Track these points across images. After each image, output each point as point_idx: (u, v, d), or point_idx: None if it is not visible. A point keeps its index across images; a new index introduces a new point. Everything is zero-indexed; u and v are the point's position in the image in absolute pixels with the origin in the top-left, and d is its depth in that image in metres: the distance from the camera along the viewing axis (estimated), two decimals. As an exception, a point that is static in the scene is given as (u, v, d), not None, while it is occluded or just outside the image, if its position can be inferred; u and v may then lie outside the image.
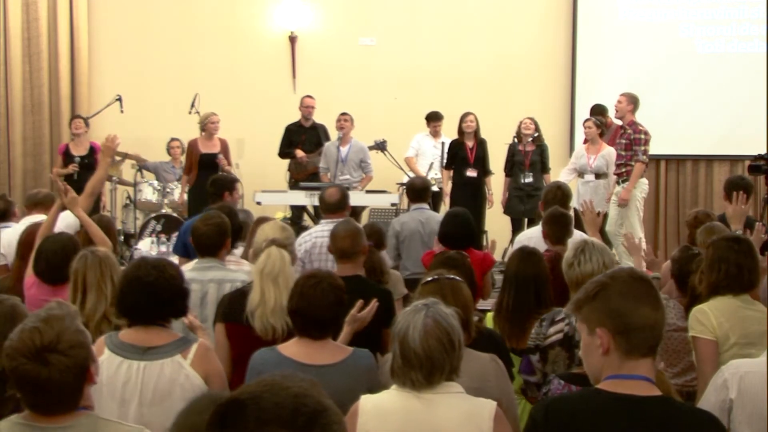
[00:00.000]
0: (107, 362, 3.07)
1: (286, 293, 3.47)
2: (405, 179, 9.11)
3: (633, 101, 8.39)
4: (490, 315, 4.22)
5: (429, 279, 3.22)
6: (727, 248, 3.63)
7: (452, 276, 3.24)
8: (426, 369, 2.53)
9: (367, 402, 2.65)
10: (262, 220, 4.95)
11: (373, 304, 3.63)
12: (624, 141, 8.34)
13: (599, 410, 2.11)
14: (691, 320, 3.58)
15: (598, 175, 8.50)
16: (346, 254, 4.23)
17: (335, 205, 5.49)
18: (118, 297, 3.21)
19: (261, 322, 3.63)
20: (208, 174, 8.35)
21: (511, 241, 8.40)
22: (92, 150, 9.21)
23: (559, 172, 9.08)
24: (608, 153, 8.51)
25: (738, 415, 2.79)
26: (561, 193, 5.82)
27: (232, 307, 3.78)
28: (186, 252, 5.20)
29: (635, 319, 2.10)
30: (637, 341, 2.11)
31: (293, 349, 3.19)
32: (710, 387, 2.90)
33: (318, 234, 5.37)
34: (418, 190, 6.38)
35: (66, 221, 5.18)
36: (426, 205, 6.33)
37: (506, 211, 8.91)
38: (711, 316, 3.51)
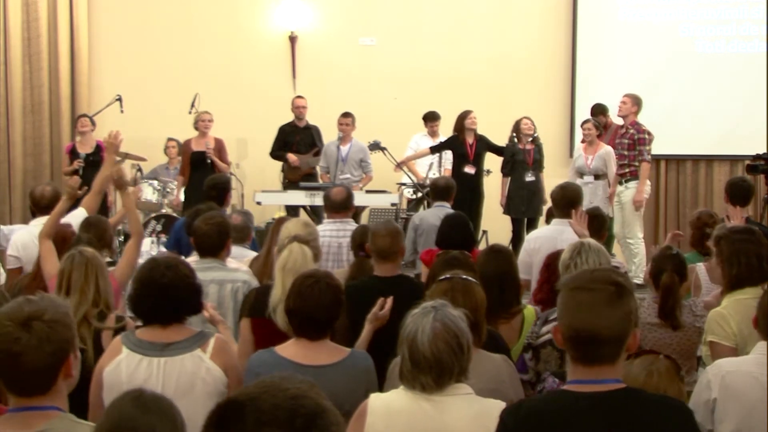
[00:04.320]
0: (126, 360, 3.09)
1: None
2: (405, 179, 9.12)
3: (637, 102, 8.40)
4: None
5: (442, 278, 3.21)
6: (744, 241, 3.66)
7: (466, 276, 3.22)
8: (435, 372, 2.53)
9: (376, 401, 2.64)
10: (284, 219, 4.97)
11: (390, 301, 3.63)
12: (627, 141, 8.32)
13: (567, 409, 2.13)
14: (711, 324, 3.54)
15: (597, 176, 8.49)
16: (385, 254, 4.22)
17: (340, 204, 5.51)
18: (133, 300, 3.20)
19: (282, 317, 3.62)
20: (199, 171, 8.39)
21: (511, 241, 8.42)
22: (98, 148, 9.23)
23: (556, 171, 9.11)
24: (606, 152, 8.49)
25: (720, 414, 2.83)
26: (563, 194, 5.79)
27: (258, 303, 3.79)
28: (179, 248, 5.24)
29: (572, 330, 2.13)
30: (576, 351, 2.14)
31: (291, 350, 3.18)
32: (697, 387, 2.95)
33: (321, 234, 5.37)
34: (441, 189, 6.56)
35: (77, 219, 5.16)
36: (448, 204, 6.42)
37: (506, 211, 8.86)
38: (731, 321, 3.48)
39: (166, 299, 3.11)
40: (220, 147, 8.99)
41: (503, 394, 3.01)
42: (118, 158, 9.35)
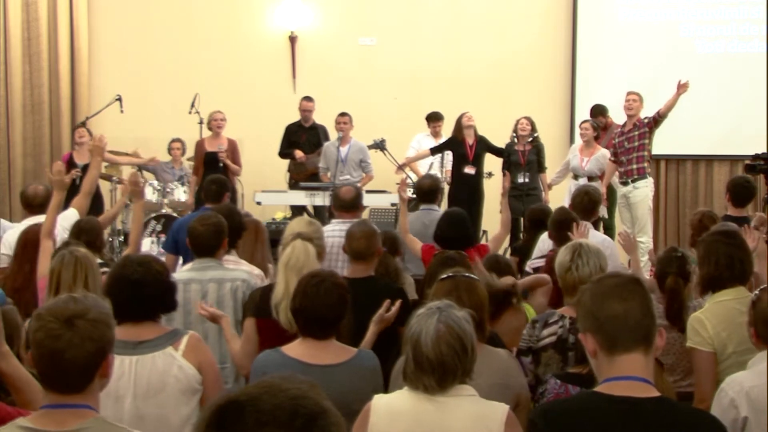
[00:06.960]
0: None
1: None
2: (405, 179, 9.11)
3: (643, 99, 8.42)
4: None
5: (445, 276, 3.22)
6: (717, 242, 3.63)
7: (469, 275, 3.24)
8: (438, 374, 2.53)
9: (379, 402, 2.65)
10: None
11: (398, 304, 3.64)
12: (637, 132, 8.26)
13: (597, 413, 2.12)
14: (689, 330, 3.52)
15: (591, 179, 8.45)
16: (361, 255, 4.22)
17: (350, 204, 5.48)
18: (106, 296, 3.19)
19: (285, 315, 3.61)
20: (211, 172, 8.40)
21: (510, 241, 8.41)
22: None
23: (555, 171, 9.09)
24: (602, 155, 8.45)
25: (755, 430, 2.77)
26: (588, 199, 5.80)
27: (264, 302, 3.77)
28: (176, 249, 5.20)
29: (602, 313, 2.14)
30: (611, 335, 2.14)
31: (297, 349, 3.18)
32: (715, 407, 2.86)
33: (329, 233, 5.34)
34: (425, 192, 6.31)
35: (69, 220, 5.16)
36: (436, 206, 6.23)
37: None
38: (708, 325, 3.44)
39: (137, 296, 3.10)
40: (233, 148, 9.03)
41: (511, 388, 3.05)
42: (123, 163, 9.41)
